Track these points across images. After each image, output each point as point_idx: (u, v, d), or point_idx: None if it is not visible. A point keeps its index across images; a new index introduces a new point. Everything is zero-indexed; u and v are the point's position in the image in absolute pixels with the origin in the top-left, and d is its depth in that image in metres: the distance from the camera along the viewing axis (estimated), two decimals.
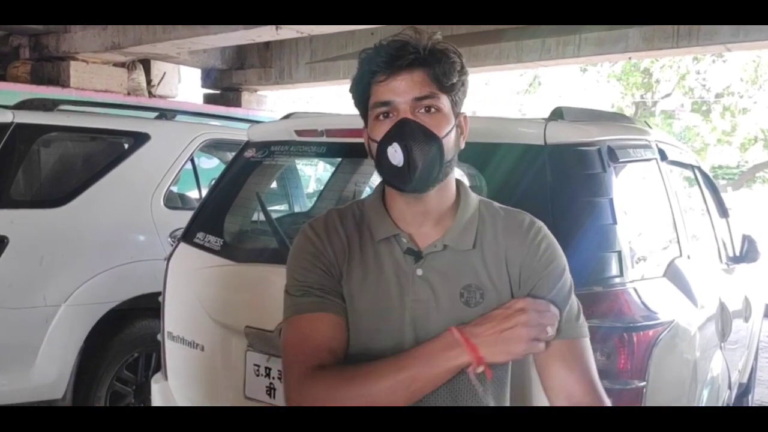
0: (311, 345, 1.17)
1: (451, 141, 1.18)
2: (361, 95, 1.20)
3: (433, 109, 1.16)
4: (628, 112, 16.41)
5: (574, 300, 1.22)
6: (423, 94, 1.15)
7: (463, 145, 1.24)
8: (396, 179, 1.17)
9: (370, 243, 1.24)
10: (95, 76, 6.48)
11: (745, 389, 3.50)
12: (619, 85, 17.26)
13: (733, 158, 18.97)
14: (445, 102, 1.17)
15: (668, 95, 17.38)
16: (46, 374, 2.87)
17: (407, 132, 1.14)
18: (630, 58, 8.17)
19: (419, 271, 1.20)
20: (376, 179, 3.28)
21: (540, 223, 1.25)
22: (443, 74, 1.15)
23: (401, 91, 1.14)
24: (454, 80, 1.17)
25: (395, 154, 1.14)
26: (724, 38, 5.15)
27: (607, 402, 1.18)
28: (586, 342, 1.21)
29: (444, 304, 1.20)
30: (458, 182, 1.27)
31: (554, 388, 1.18)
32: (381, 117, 1.17)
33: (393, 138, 1.14)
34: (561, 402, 1.17)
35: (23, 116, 3.04)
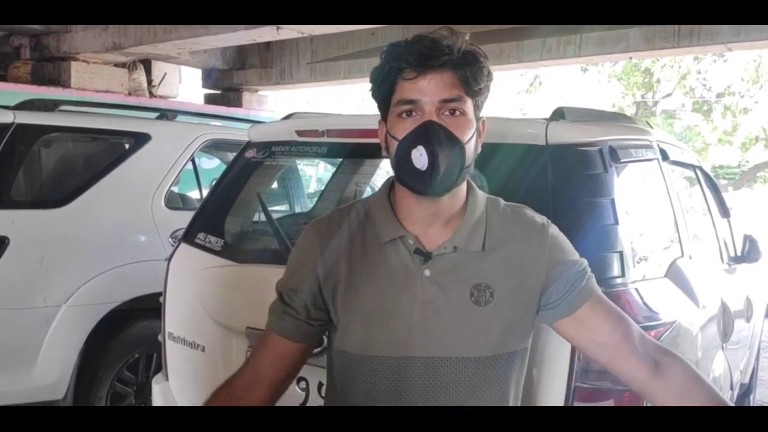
0: (263, 357, 1.25)
1: (471, 146, 1.18)
2: (384, 89, 1.18)
3: (457, 113, 1.15)
4: (629, 111, 16.41)
5: (586, 264, 1.26)
6: (451, 97, 1.13)
7: (479, 150, 1.23)
8: (416, 182, 1.16)
9: (375, 244, 1.23)
10: (96, 76, 6.48)
11: (747, 389, 3.49)
12: (620, 84, 17.25)
13: (734, 158, 18.96)
14: (469, 106, 1.16)
15: (669, 95, 17.37)
16: (46, 375, 2.87)
17: (433, 136, 1.12)
18: (631, 58, 8.17)
19: (427, 272, 1.20)
20: (377, 179, 3.28)
21: (546, 219, 1.29)
22: (473, 78, 1.14)
23: (429, 91, 1.13)
24: (482, 85, 1.17)
25: (420, 158, 1.12)
26: (725, 38, 5.15)
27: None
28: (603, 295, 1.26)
29: (453, 304, 1.20)
30: (467, 181, 1.26)
31: (604, 341, 1.21)
32: (404, 115, 1.15)
33: (419, 140, 1.13)
34: (614, 349, 1.20)
35: (24, 117, 3.04)
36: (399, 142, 1.15)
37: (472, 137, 1.17)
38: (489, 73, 1.18)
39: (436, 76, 1.12)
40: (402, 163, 1.15)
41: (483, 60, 1.16)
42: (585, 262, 1.27)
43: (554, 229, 1.27)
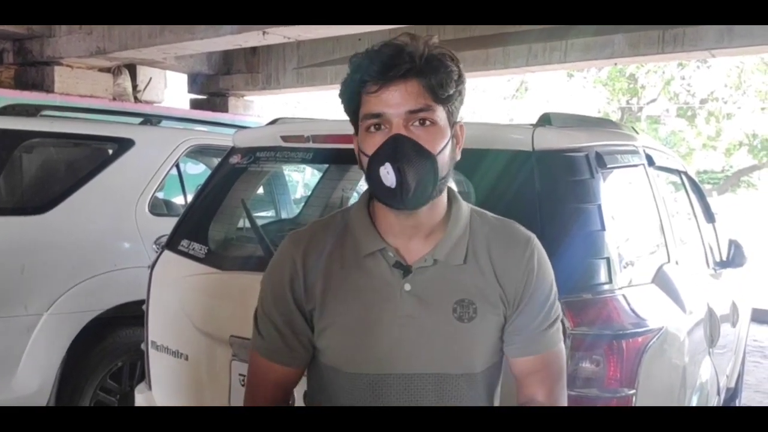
0: (260, 391, 1.25)
1: (446, 156, 1.12)
2: (351, 103, 1.13)
3: (428, 122, 1.09)
4: (615, 117, 16.52)
5: (556, 309, 1.23)
6: (418, 107, 1.08)
7: (458, 157, 1.18)
8: (388, 199, 1.11)
9: (354, 257, 1.19)
10: (80, 81, 6.41)
11: (733, 393, 3.51)
12: (605, 90, 17.37)
13: (718, 163, 19.12)
14: (440, 114, 1.10)
15: (654, 101, 17.51)
16: (28, 384, 2.82)
17: (400, 151, 1.07)
18: (616, 64, 8.22)
19: (407, 286, 1.16)
20: (363, 185, 3.26)
21: (533, 237, 1.23)
22: (439, 85, 1.08)
23: (394, 103, 1.07)
24: (451, 91, 1.10)
25: (387, 176, 1.07)
26: (709, 44, 5.18)
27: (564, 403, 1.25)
28: (561, 347, 1.24)
29: (436, 319, 1.16)
30: (450, 191, 1.21)
31: (525, 394, 1.22)
32: (372, 129, 1.10)
33: (385, 158, 1.07)
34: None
35: (5, 122, 3.00)
36: (368, 159, 1.11)
37: (445, 146, 1.11)
38: (459, 77, 1.11)
39: (400, 86, 1.07)
40: (372, 180, 1.11)
41: (451, 63, 1.10)
42: (558, 305, 1.24)
43: (539, 248, 1.22)
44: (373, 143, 1.10)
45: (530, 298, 1.19)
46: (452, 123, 1.14)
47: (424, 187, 1.09)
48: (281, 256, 1.24)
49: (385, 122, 1.09)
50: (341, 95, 1.15)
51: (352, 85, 1.11)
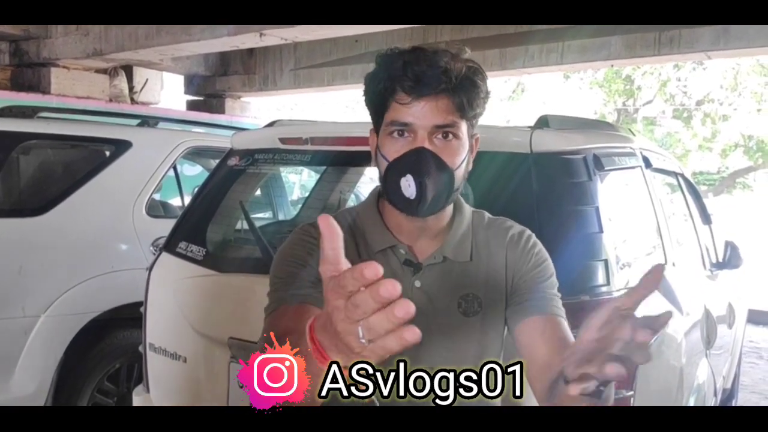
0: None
1: (462, 170, 1.16)
2: (379, 106, 1.15)
3: (450, 137, 1.12)
4: (611, 118, 16.54)
5: (557, 284, 1.23)
6: (445, 123, 1.11)
7: (471, 167, 1.20)
8: (402, 206, 1.14)
9: (366, 253, 1.21)
10: (77, 82, 6.41)
11: (729, 394, 3.52)
12: (601, 92, 17.39)
13: (714, 164, 19.17)
14: (463, 129, 1.14)
15: (650, 102, 17.53)
16: (25, 386, 2.81)
17: (424, 165, 1.10)
18: (612, 66, 8.23)
19: (417, 283, 1.19)
20: (361, 188, 3.27)
21: (527, 230, 1.28)
22: (469, 104, 1.11)
23: (422, 115, 1.10)
24: (478, 110, 1.14)
25: (408, 188, 1.10)
26: (705, 46, 5.21)
27: None
28: (566, 323, 1.21)
29: (442, 314, 1.19)
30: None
31: (540, 363, 1.13)
32: (395, 134, 1.13)
33: (407, 170, 1.10)
34: (544, 374, 1.11)
35: (2, 123, 2.99)
36: (388, 164, 1.13)
37: (463, 161, 1.15)
38: (486, 95, 1.15)
39: (431, 101, 1.09)
40: (390, 187, 1.14)
41: (481, 83, 1.13)
42: (555, 282, 1.24)
43: (532, 241, 1.26)
44: (394, 149, 1.13)
45: (535, 273, 1.22)
46: (471, 135, 1.17)
47: (439, 199, 1.13)
48: (294, 243, 1.19)
49: (410, 132, 1.12)
50: (367, 91, 1.16)
51: (383, 90, 1.12)
